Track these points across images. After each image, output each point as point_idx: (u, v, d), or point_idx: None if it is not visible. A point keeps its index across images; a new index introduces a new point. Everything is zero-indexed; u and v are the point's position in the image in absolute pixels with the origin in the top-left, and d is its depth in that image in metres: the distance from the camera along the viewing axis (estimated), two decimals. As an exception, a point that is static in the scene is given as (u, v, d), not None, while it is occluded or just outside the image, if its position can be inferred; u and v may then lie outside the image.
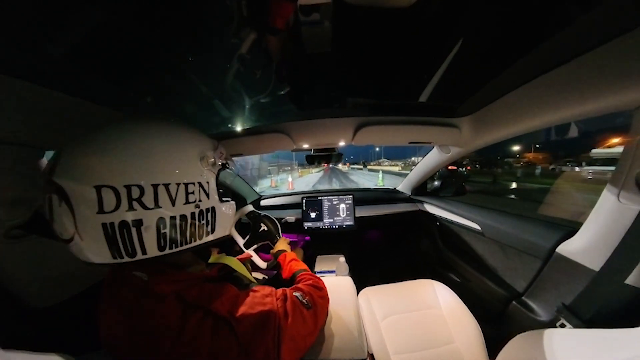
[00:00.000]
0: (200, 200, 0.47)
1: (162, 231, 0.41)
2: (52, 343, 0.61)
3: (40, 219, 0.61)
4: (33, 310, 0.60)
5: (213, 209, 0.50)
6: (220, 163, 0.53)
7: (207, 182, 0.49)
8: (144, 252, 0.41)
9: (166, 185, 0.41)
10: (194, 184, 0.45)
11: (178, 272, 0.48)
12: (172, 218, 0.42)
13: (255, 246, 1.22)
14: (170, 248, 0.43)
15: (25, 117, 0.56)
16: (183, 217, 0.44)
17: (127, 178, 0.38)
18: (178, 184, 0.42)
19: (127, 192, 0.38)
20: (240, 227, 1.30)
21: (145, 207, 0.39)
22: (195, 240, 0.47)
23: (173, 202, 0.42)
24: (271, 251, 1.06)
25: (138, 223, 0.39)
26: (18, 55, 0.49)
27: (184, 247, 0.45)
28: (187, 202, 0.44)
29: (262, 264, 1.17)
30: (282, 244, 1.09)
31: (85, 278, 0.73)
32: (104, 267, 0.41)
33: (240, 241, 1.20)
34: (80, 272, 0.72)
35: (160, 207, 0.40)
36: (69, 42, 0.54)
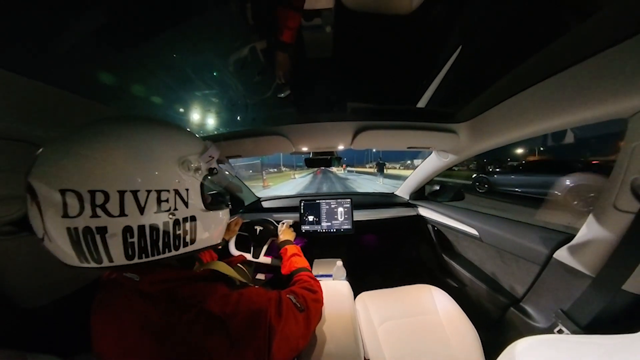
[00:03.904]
0: (176, 209, 0.44)
1: (130, 240, 0.39)
2: (43, 343, 0.59)
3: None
4: (24, 310, 0.59)
5: (193, 217, 0.47)
6: (206, 168, 0.50)
7: (187, 189, 0.45)
8: (110, 259, 0.39)
9: (134, 192, 0.39)
10: (168, 191, 0.42)
11: (170, 271, 0.47)
12: (141, 227, 0.40)
13: (264, 251, 1.22)
14: (140, 258, 0.41)
15: (22, 113, 0.55)
16: (154, 227, 0.41)
17: (91, 183, 0.36)
18: (148, 191, 0.40)
19: (90, 197, 0.36)
20: (239, 239, 1.30)
21: (109, 215, 0.37)
22: (169, 251, 0.44)
23: (142, 211, 0.39)
24: (277, 242, 1.11)
25: (102, 230, 0.37)
26: (18, 51, 0.49)
27: (157, 257, 0.43)
28: (159, 210, 0.41)
29: (267, 260, 1.17)
30: (284, 234, 1.12)
31: (78, 278, 0.71)
32: (82, 270, 0.40)
33: (249, 256, 1.21)
34: (73, 272, 0.70)
35: (126, 215, 0.38)
36: (71, 39, 0.54)
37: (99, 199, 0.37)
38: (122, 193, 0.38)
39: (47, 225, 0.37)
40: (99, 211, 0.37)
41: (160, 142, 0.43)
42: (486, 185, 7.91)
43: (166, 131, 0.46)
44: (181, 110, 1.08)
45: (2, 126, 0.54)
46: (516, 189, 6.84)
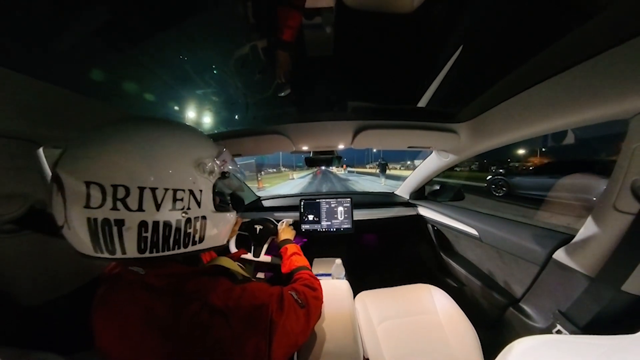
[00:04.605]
0: (189, 208, 0.46)
1: (144, 234, 0.41)
2: (45, 341, 0.60)
3: (35, 214, 0.60)
4: (26, 308, 0.59)
5: (204, 217, 0.49)
6: (219, 171, 0.52)
7: (200, 190, 0.48)
8: (123, 251, 0.41)
9: (153, 189, 0.41)
10: (183, 190, 0.45)
11: (174, 264, 0.48)
12: (155, 223, 0.42)
13: (264, 250, 1.23)
14: (151, 252, 0.43)
15: (23, 111, 0.56)
16: (167, 224, 0.43)
17: (115, 177, 0.39)
18: (166, 189, 0.42)
19: (113, 191, 0.38)
20: (239, 238, 1.31)
21: (128, 209, 0.39)
22: (179, 248, 0.46)
23: (158, 207, 0.42)
24: (276, 241, 1.11)
25: (119, 223, 0.39)
26: (19, 49, 0.49)
27: (166, 253, 0.45)
28: (173, 208, 0.43)
29: (267, 259, 1.18)
30: (284, 233, 1.13)
31: (79, 276, 0.71)
32: (94, 259, 0.42)
33: (249, 256, 1.21)
34: (74, 270, 0.71)
35: (143, 211, 0.40)
36: (72, 37, 0.54)
37: (120, 193, 0.39)
38: (142, 189, 0.40)
39: (69, 214, 0.39)
40: (119, 204, 0.39)
41: (182, 144, 0.46)
42: (504, 188, 7.08)
43: (187, 135, 0.49)
44: (176, 108, 1.08)
45: (4, 124, 0.54)
46: (545, 194, 5.73)
